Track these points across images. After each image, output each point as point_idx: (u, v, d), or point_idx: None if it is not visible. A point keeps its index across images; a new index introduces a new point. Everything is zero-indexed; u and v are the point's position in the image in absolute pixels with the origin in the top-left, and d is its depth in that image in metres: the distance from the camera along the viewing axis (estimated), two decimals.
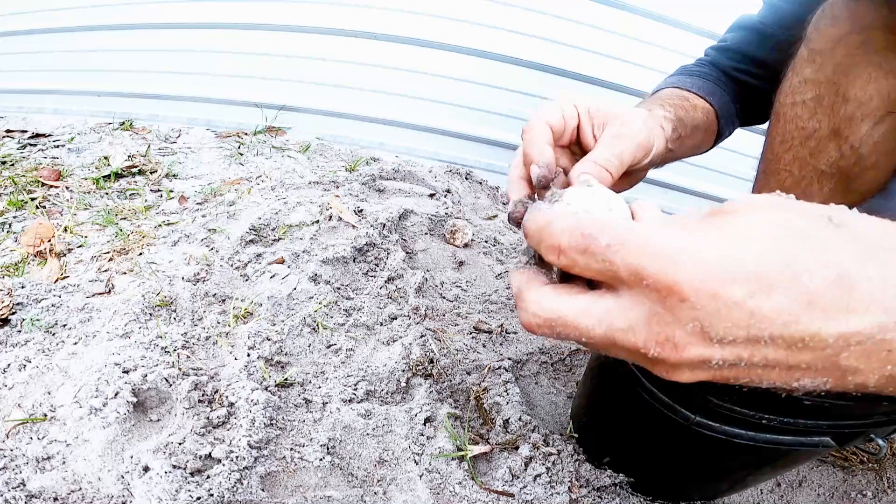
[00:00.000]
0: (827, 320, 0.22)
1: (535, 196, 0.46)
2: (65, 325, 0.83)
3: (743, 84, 0.84)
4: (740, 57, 0.83)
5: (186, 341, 0.80)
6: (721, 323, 0.23)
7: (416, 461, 0.69)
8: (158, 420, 0.69)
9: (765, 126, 0.75)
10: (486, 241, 1.26)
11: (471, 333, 0.96)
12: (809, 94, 0.62)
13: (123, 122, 1.79)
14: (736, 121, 0.86)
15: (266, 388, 0.73)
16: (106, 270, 0.99)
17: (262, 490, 0.63)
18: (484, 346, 0.94)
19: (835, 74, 0.59)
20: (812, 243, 0.23)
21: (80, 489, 0.60)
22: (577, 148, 0.55)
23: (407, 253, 1.13)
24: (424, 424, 0.73)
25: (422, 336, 0.87)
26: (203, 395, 0.71)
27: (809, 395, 0.42)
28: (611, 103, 0.55)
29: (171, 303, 0.88)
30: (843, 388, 0.24)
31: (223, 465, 0.62)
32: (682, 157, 0.78)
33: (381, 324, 0.92)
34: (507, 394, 0.78)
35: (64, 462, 0.63)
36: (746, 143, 1.42)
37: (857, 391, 0.25)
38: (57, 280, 0.96)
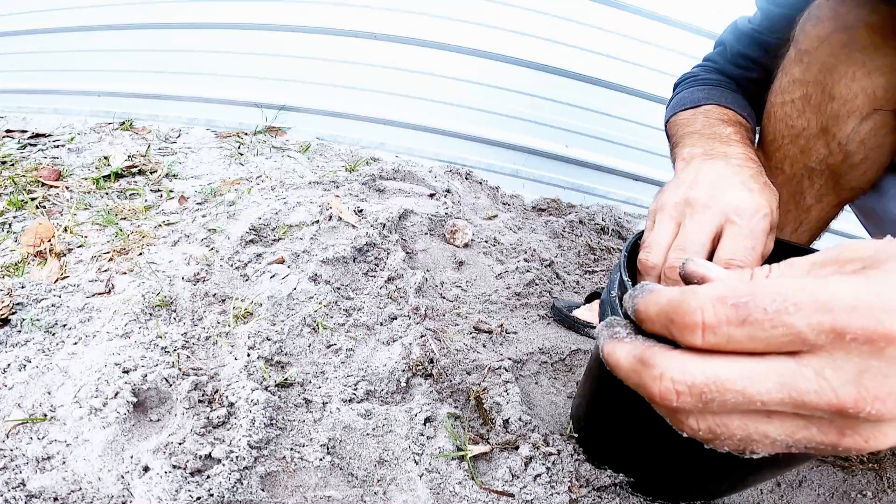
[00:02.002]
0: None
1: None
2: (65, 325, 0.83)
3: (748, 91, 0.84)
4: (746, 62, 0.83)
5: (186, 341, 0.80)
6: None
7: (416, 461, 0.69)
8: (158, 420, 0.69)
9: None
10: (486, 241, 1.26)
11: (471, 333, 0.96)
12: (798, 94, 0.64)
13: (123, 122, 1.80)
14: None
15: (266, 388, 0.73)
16: (106, 270, 0.99)
17: (262, 490, 0.63)
18: (484, 346, 0.94)
19: (821, 73, 0.61)
20: None
21: (80, 489, 0.60)
22: None
23: (407, 253, 1.13)
24: (424, 424, 0.73)
25: (422, 336, 0.87)
26: (203, 395, 0.71)
27: None
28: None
29: (171, 303, 0.88)
30: None
31: (223, 465, 0.62)
32: None
33: (381, 324, 0.92)
34: (507, 394, 0.78)
35: (64, 462, 0.63)
36: None
37: None
38: (57, 280, 0.96)
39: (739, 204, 0.52)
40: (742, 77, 0.82)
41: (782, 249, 0.64)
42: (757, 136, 0.77)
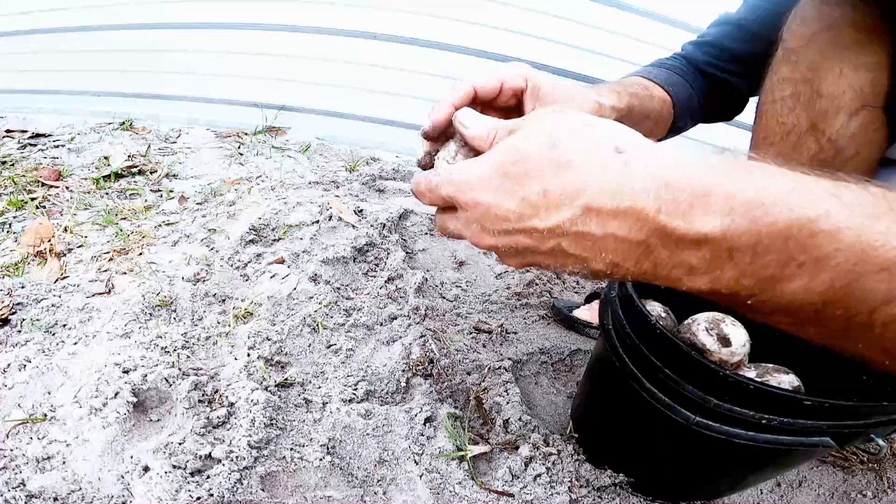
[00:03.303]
0: (546, 216, 0.33)
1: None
2: (65, 325, 0.83)
3: (713, 79, 0.88)
4: (717, 52, 0.87)
5: (186, 341, 0.80)
6: (487, 222, 0.36)
7: (416, 461, 0.69)
8: (158, 420, 0.69)
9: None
10: None
11: (471, 333, 0.96)
12: (787, 91, 0.65)
13: (123, 122, 1.79)
14: (696, 116, 0.91)
15: (266, 388, 0.73)
16: (106, 270, 0.99)
17: (262, 490, 0.63)
18: (484, 346, 0.94)
19: (809, 71, 0.62)
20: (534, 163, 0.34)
21: (80, 489, 0.60)
22: (514, 113, 0.60)
23: (407, 253, 1.13)
24: (424, 424, 0.73)
25: (422, 336, 0.87)
26: (203, 395, 0.71)
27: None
28: (564, 87, 0.61)
29: (171, 303, 0.88)
30: (585, 273, 0.35)
31: (223, 465, 0.62)
32: None
33: (381, 324, 0.92)
34: (507, 394, 0.78)
35: (64, 462, 0.63)
36: (745, 143, 1.42)
37: (603, 277, 0.35)
38: (57, 280, 0.96)
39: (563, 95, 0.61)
40: (705, 63, 0.88)
41: None
42: (670, 98, 0.83)
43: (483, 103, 0.59)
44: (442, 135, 0.55)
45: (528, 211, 0.34)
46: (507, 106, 0.60)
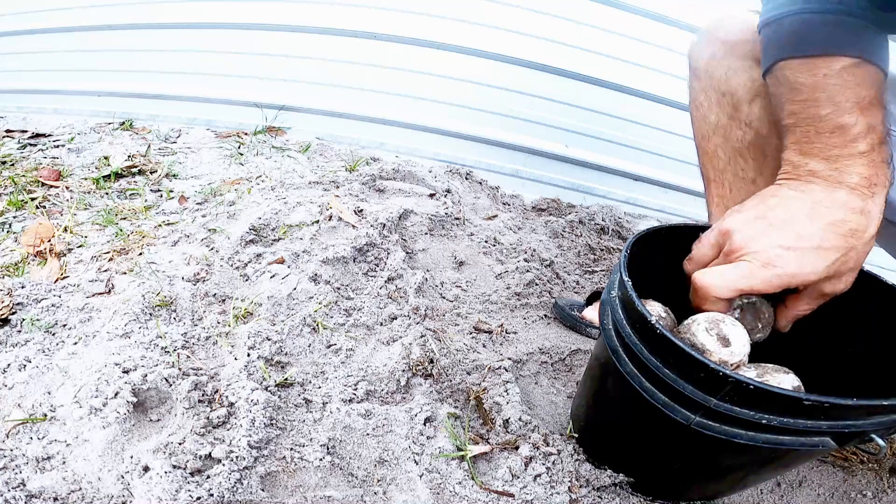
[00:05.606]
0: None
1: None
2: (65, 325, 0.83)
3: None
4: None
5: (186, 341, 0.80)
6: None
7: (416, 461, 0.69)
8: (158, 420, 0.69)
9: None
10: (486, 241, 1.26)
11: (471, 333, 0.96)
12: (702, 98, 0.82)
13: (123, 122, 1.79)
14: None
15: (266, 388, 0.73)
16: (106, 270, 0.99)
17: (262, 490, 0.63)
18: (484, 346, 0.94)
19: (713, 80, 0.78)
20: None
21: (80, 489, 0.60)
22: None
23: (407, 253, 1.13)
24: (424, 424, 0.73)
25: (422, 336, 0.87)
26: (203, 395, 0.71)
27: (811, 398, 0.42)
28: None
29: (171, 303, 0.88)
30: None
31: (223, 465, 0.62)
32: None
33: (381, 324, 0.92)
34: (507, 394, 0.78)
35: (64, 462, 0.63)
36: None
37: None
38: (57, 280, 0.96)
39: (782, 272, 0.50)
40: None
41: None
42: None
43: None
44: None
45: None
46: None
